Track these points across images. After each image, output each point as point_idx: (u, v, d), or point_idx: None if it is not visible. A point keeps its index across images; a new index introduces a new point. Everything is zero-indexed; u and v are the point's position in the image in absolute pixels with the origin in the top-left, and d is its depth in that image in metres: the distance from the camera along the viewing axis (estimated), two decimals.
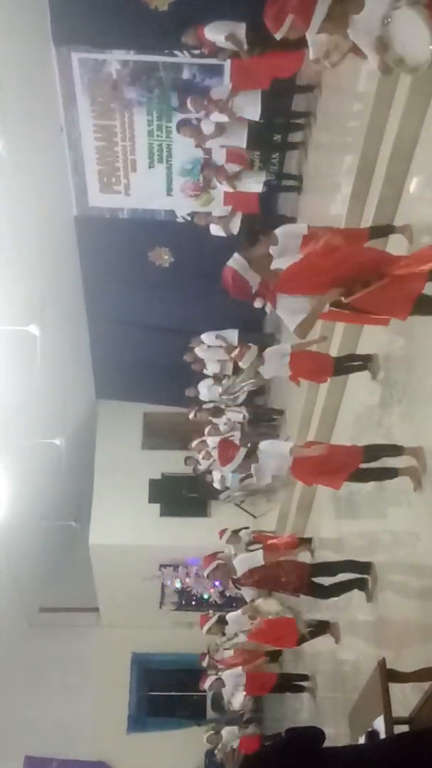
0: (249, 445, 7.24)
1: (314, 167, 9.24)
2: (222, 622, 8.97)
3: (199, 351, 11.57)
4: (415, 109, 5.36)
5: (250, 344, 8.76)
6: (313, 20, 4.30)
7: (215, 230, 10.10)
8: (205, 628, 9.11)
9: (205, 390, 11.80)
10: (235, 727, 11.09)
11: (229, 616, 9.01)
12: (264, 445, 6.72)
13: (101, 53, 9.67)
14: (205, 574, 8.47)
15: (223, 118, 8.96)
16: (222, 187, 9.72)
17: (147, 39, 9.47)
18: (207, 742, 11.03)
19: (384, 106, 5.84)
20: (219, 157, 9.62)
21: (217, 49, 8.59)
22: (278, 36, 5.84)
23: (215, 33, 8.35)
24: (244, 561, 7.99)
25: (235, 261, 8.23)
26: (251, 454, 6.82)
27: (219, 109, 8.72)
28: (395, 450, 5.70)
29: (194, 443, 11.52)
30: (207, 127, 9.19)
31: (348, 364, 7.10)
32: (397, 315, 4.78)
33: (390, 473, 5.79)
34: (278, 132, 9.97)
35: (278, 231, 6.47)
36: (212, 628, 9.05)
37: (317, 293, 4.88)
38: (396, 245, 5.70)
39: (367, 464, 6.02)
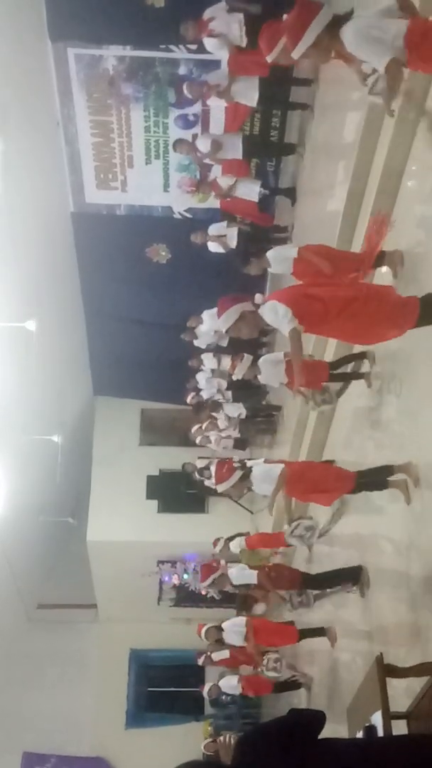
0: (244, 468, 7.42)
1: (310, 169, 9.21)
2: (219, 628, 9.06)
3: (198, 331, 11.52)
4: (409, 118, 5.37)
5: (243, 354, 8.81)
6: (298, 46, 4.39)
7: (213, 247, 10.12)
8: (203, 632, 9.20)
9: (204, 381, 11.80)
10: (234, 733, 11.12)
11: (226, 624, 9.12)
12: (257, 470, 6.91)
13: (97, 49, 9.65)
14: (204, 586, 8.67)
15: (221, 103, 8.92)
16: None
17: (143, 34, 9.45)
18: (205, 750, 11.04)
19: (379, 112, 5.84)
20: (215, 170, 9.68)
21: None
22: (269, 59, 5.91)
23: (214, 47, 8.35)
24: (240, 576, 8.17)
25: None
26: (246, 477, 6.95)
27: (217, 94, 8.68)
28: (386, 471, 5.79)
29: (193, 430, 11.57)
30: (203, 145, 9.20)
31: (343, 371, 7.17)
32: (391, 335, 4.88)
33: (380, 485, 5.91)
34: (274, 148, 10.02)
35: (270, 254, 6.60)
36: (209, 632, 9.12)
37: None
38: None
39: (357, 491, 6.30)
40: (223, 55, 8.37)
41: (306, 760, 2.73)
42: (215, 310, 10.85)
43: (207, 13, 8.27)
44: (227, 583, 8.80)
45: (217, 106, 9.49)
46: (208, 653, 9.95)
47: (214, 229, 10.04)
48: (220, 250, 10.02)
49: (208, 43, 8.33)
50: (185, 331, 11.58)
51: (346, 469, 6.47)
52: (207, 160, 9.46)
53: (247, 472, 7.03)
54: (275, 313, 4.80)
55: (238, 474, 7.39)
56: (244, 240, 9.93)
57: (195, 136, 9.49)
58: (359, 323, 4.71)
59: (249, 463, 7.32)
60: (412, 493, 5.46)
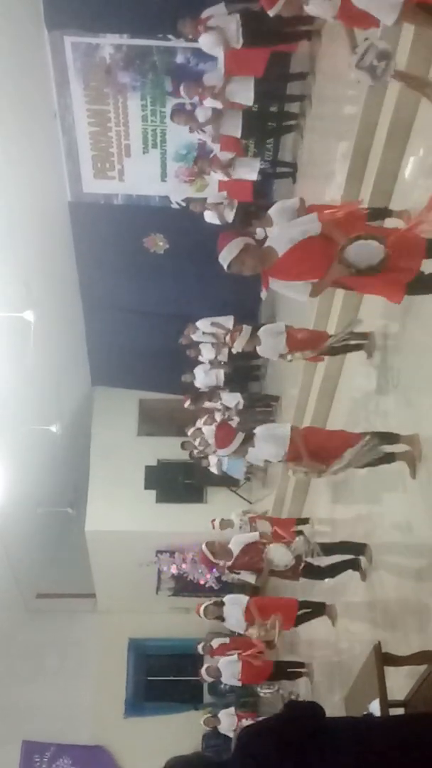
0: (246, 430, 7.21)
1: (309, 153, 9.20)
2: (219, 603, 8.97)
3: (194, 336, 11.57)
4: (410, 94, 5.34)
5: (242, 326, 8.68)
6: None
7: (210, 217, 10.05)
8: (202, 609, 9.10)
9: (202, 375, 11.80)
10: (232, 709, 11.17)
11: (227, 599, 9.05)
12: (260, 430, 6.67)
13: (94, 37, 9.61)
14: (203, 547, 8.45)
15: (217, 105, 8.90)
16: (216, 176, 9.68)
17: (140, 23, 9.41)
18: (204, 725, 11.12)
19: (379, 91, 5.81)
20: (213, 147, 9.60)
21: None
22: (272, 13, 5.80)
23: (209, 44, 8.29)
24: (239, 540, 8.01)
25: None
26: (248, 439, 6.80)
27: (212, 95, 8.66)
28: (391, 438, 5.70)
29: (190, 431, 11.54)
30: (202, 114, 9.14)
31: (344, 343, 7.07)
32: (392, 298, 4.77)
33: (387, 458, 5.79)
34: (272, 119, 9.93)
35: (271, 211, 6.45)
36: (209, 609, 9.03)
37: (313, 278, 4.84)
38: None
39: None
40: (218, 53, 8.32)
41: (305, 754, 2.75)
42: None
43: (205, 13, 8.24)
44: (227, 556, 8.46)
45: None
46: (208, 642, 9.98)
47: (214, 198, 9.96)
48: (216, 221, 9.92)
49: (204, 40, 8.27)
50: (182, 335, 11.61)
51: (352, 433, 6.33)
52: (204, 131, 9.34)
53: (249, 434, 6.85)
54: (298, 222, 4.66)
55: (241, 436, 7.22)
56: (243, 209, 9.84)
57: (193, 106, 9.36)
58: None
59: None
60: (418, 468, 5.40)
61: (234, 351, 9.30)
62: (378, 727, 3.45)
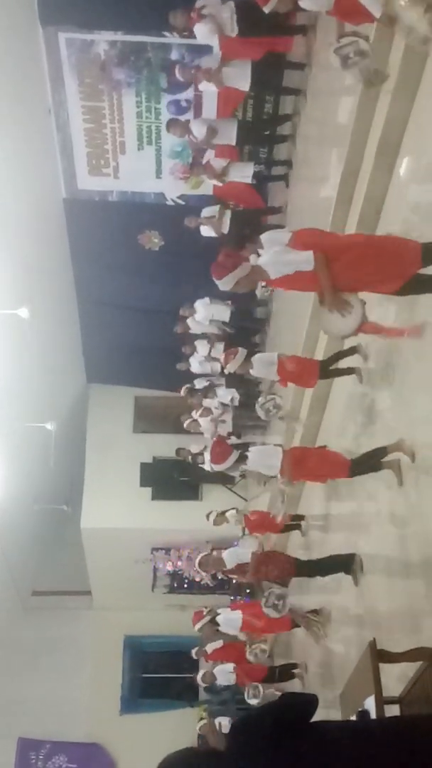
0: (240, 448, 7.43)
1: (303, 154, 9.17)
2: (214, 622, 9.05)
3: (191, 322, 11.49)
4: (404, 92, 5.34)
5: (237, 348, 8.80)
6: None
7: (206, 231, 10.08)
8: (198, 626, 9.19)
9: (197, 364, 11.79)
10: (228, 719, 11.18)
11: (220, 618, 9.12)
12: (253, 453, 6.93)
13: (89, 34, 9.58)
14: (196, 563, 8.58)
15: (211, 88, 8.84)
16: (211, 182, 9.72)
17: (135, 19, 9.38)
18: (200, 731, 11.11)
19: (373, 92, 5.81)
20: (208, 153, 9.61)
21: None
22: (267, 9, 5.84)
23: (204, 33, 8.26)
24: (233, 555, 8.15)
25: None
26: (242, 459, 6.97)
27: (207, 78, 8.60)
28: (379, 454, 5.80)
29: (186, 423, 11.55)
30: (197, 130, 9.12)
31: (335, 368, 7.18)
32: (386, 291, 4.79)
33: (375, 467, 5.91)
34: (267, 126, 9.95)
35: (264, 236, 6.53)
36: (205, 627, 9.13)
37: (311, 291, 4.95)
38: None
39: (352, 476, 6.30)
40: (213, 41, 8.28)
41: (299, 745, 2.75)
42: (207, 299, 10.94)
43: (199, 2, 8.21)
44: (221, 565, 8.58)
45: (210, 92, 9.43)
46: (202, 647, 10.04)
47: (206, 212, 9.99)
48: (213, 234, 9.97)
49: (199, 29, 8.23)
50: (177, 322, 11.57)
51: (341, 456, 6.46)
52: (200, 144, 9.37)
53: (243, 454, 7.04)
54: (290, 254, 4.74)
55: (236, 455, 7.42)
56: (238, 224, 9.88)
57: (189, 121, 9.41)
58: (360, 268, 4.60)
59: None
60: (405, 475, 5.47)
61: (227, 372, 9.42)
62: (374, 724, 3.46)
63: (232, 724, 3.05)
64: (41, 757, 14.20)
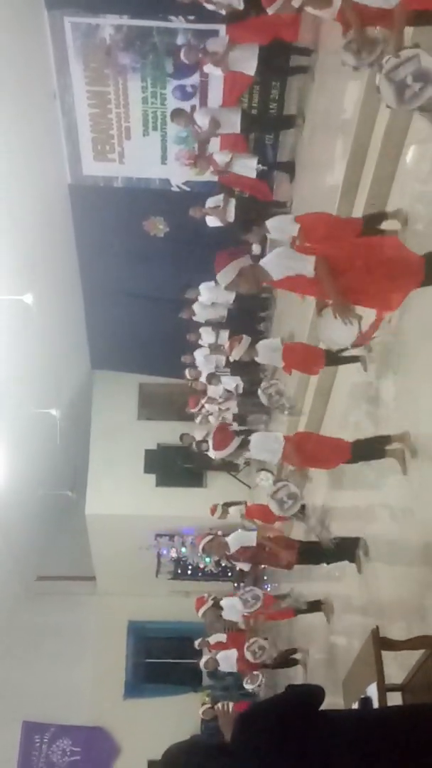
0: (243, 434, 7.38)
1: (309, 144, 9.10)
2: (217, 606, 9.08)
3: (197, 307, 11.46)
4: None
5: (242, 335, 8.77)
6: None
7: (211, 221, 10.04)
8: (201, 612, 9.22)
9: (202, 359, 11.78)
10: (231, 703, 11.24)
11: (224, 602, 9.15)
12: (255, 439, 6.86)
13: (94, 17, 9.51)
14: (200, 548, 8.55)
15: (217, 72, 8.80)
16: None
17: (141, 3, 9.31)
18: (203, 716, 11.18)
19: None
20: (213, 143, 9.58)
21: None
22: (270, 11, 5.79)
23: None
24: (238, 539, 8.11)
25: None
26: (244, 445, 6.93)
27: (214, 61, 8.54)
28: (383, 441, 5.80)
29: (192, 410, 11.57)
30: (201, 120, 9.07)
31: (340, 354, 7.15)
32: (386, 308, 4.84)
33: (378, 454, 5.90)
34: (272, 123, 9.93)
35: (270, 223, 6.53)
36: (207, 612, 9.16)
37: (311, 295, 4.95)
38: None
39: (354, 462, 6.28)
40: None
41: (306, 738, 2.76)
42: (212, 283, 10.90)
43: None
44: (224, 548, 8.58)
45: (216, 77, 9.37)
46: (205, 638, 10.09)
47: (211, 202, 9.96)
48: (218, 223, 9.96)
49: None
50: (183, 307, 11.54)
51: (341, 440, 6.46)
52: (203, 136, 9.34)
53: (245, 440, 7.00)
54: (292, 259, 4.74)
55: (237, 441, 7.38)
56: (243, 211, 9.83)
57: (193, 108, 9.37)
58: (362, 275, 4.64)
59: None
60: (408, 464, 5.47)
61: (231, 360, 9.40)
62: (378, 713, 3.47)
63: (237, 717, 3.04)
64: (45, 740, 14.33)
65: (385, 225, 5.75)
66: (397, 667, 4.32)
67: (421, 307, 5.16)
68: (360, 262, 4.62)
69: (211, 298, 11.13)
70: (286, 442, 6.59)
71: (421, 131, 5.39)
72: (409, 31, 4.93)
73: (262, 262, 5.00)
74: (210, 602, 9.26)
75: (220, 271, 5.18)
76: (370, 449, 6.01)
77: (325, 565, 7.61)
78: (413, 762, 2.78)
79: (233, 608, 8.99)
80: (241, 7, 8.05)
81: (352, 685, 4.42)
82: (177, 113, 9.43)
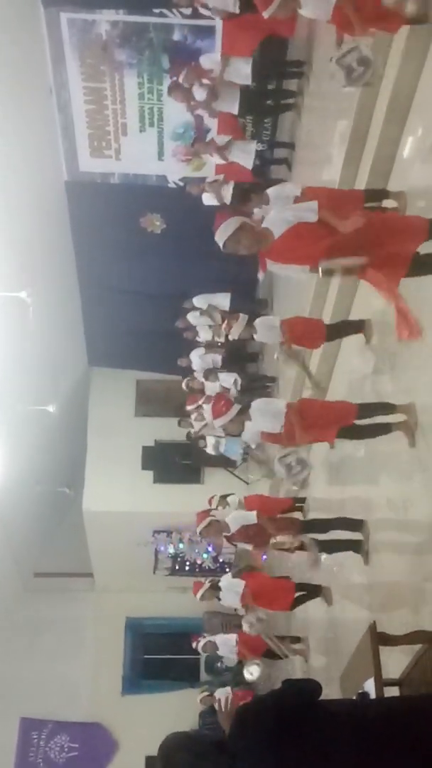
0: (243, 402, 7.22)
1: (307, 133, 9.12)
2: (215, 588, 9.04)
3: (191, 317, 11.53)
4: (410, 70, 5.30)
5: (239, 314, 8.67)
6: None
7: (208, 199, 9.97)
8: (199, 594, 9.17)
9: (198, 359, 11.78)
10: (228, 688, 11.26)
11: (223, 583, 9.11)
12: (257, 403, 6.66)
13: (90, 13, 9.50)
14: (198, 531, 8.47)
15: (218, 161, 9.00)
16: (213, 160, 9.63)
17: None
18: (201, 704, 11.21)
19: (377, 71, 5.75)
20: (210, 123, 9.53)
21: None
22: (266, 15, 5.81)
23: None
24: (237, 518, 8.02)
25: None
26: (244, 411, 6.79)
27: (211, 81, 8.61)
28: (388, 408, 5.75)
29: (190, 407, 11.55)
30: (199, 93, 9.06)
31: (344, 322, 7.09)
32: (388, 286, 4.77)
33: (385, 428, 5.84)
34: (270, 97, 9.87)
35: (270, 191, 6.44)
36: (206, 594, 9.12)
37: (308, 264, 4.84)
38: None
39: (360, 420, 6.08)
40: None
41: (303, 734, 2.77)
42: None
43: None
44: (223, 530, 8.49)
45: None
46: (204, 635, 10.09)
47: (209, 178, 9.90)
48: (215, 202, 9.86)
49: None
50: (179, 316, 11.57)
51: (346, 402, 6.34)
52: (200, 110, 9.27)
53: (245, 406, 6.86)
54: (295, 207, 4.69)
55: (236, 408, 7.23)
56: (240, 194, 9.78)
57: (192, 84, 9.28)
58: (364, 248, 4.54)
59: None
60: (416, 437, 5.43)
61: (230, 338, 9.27)
62: (375, 705, 3.48)
63: (236, 711, 3.05)
64: (43, 736, 14.34)
65: (386, 203, 5.74)
66: (396, 660, 4.33)
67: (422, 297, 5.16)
68: (361, 230, 4.49)
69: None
70: (288, 408, 6.43)
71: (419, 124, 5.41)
72: (404, 29, 4.98)
73: (265, 221, 4.85)
74: (207, 584, 9.23)
75: (217, 227, 5.00)
76: (377, 411, 5.93)
77: (326, 555, 7.59)
78: (413, 754, 2.79)
79: (232, 590, 8.91)
80: (237, 11, 8.06)
81: (350, 679, 4.43)
82: (174, 88, 9.33)
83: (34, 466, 12.92)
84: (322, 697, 2.91)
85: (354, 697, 4.02)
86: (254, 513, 7.93)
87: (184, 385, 11.86)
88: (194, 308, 11.48)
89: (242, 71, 8.56)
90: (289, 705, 2.87)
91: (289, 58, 9.22)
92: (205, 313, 11.21)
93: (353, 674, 4.37)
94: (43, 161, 10.74)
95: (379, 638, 4.10)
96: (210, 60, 8.78)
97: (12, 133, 8.99)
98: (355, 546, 6.91)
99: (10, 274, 9.49)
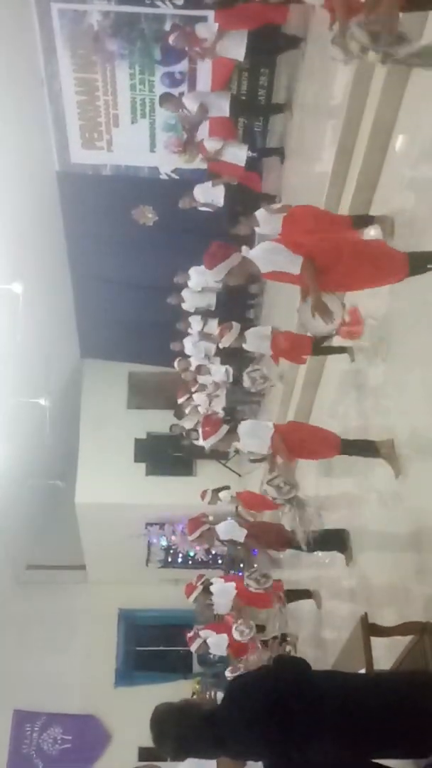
0: (232, 421, 7.37)
1: (299, 132, 9.09)
2: (207, 591, 9.11)
3: (186, 293, 11.42)
4: (399, 72, 5.29)
5: (231, 322, 8.78)
6: None
7: (203, 203, 10.01)
8: (192, 597, 9.25)
9: (191, 345, 11.76)
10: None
11: (214, 587, 9.18)
12: (244, 426, 6.82)
13: (81, 4, 9.43)
14: (190, 540, 8.59)
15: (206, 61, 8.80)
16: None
17: None
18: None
19: (367, 69, 5.75)
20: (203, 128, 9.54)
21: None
22: None
23: None
24: (228, 529, 8.16)
25: None
26: (233, 432, 6.90)
27: (202, 48, 8.51)
28: (369, 447, 5.82)
29: (180, 400, 11.55)
30: (190, 105, 9.02)
31: (327, 345, 7.17)
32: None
33: (371, 452, 5.88)
34: (260, 110, 9.91)
35: (258, 213, 6.55)
36: (198, 597, 9.19)
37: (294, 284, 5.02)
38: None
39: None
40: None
41: (291, 705, 2.80)
42: (202, 267, 10.88)
43: None
44: (214, 538, 8.67)
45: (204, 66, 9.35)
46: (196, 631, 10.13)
47: (199, 192, 9.90)
48: (209, 209, 9.90)
49: None
50: (172, 292, 11.51)
51: (331, 434, 6.45)
52: (193, 123, 9.29)
53: (233, 426, 6.99)
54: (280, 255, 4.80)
55: (225, 428, 7.37)
56: (232, 201, 9.82)
57: (182, 94, 9.32)
58: (349, 270, 4.74)
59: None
60: (400, 464, 5.50)
61: (221, 347, 9.40)
62: (361, 680, 3.52)
63: (227, 686, 3.09)
64: (36, 728, 14.38)
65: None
66: (387, 652, 4.35)
67: (410, 296, 5.17)
68: (346, 256, 4.71)
69: (200, 282, 11.11)
70: (275, 431, 6.61)
71: (410, 119, 5.40)
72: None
73: (251, 254, 5.08)
74: (200, 587, 9.30)
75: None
76: (360, 450, 6.05)
77: (318, 553, 7.64)
78: (396, 733, 2.82)
79: (225, 592, 9.00)
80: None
81: (341, 670, 4.45)
82: (166, 98, 9.37)
83: (26, 459, 12.90)
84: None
85: None
86: (244, 532, 8.11)
87: (176, 365, 11.83)
88: (188, 281, 11.40)
89: (237, 45, 8.47)
90: (280, 679, 2.91)
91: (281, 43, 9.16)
92: (200, 292, 11.18)
93: (345, 665, 4.39)
94: (34, 153, 10.69)
95: (370, 629, 4.12)
96: (206, 29, 8.65)
97: (2, 124, 8.94)
98: (340, 547, 6.96)
99: (1, 266, 9.45)
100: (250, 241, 7.18)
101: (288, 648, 9.58)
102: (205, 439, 8.03)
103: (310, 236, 5.26)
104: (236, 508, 9.19)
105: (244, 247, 7.05)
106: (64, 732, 14.43)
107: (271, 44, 9.01)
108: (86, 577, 16.00)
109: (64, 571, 16.06)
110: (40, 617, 15.10)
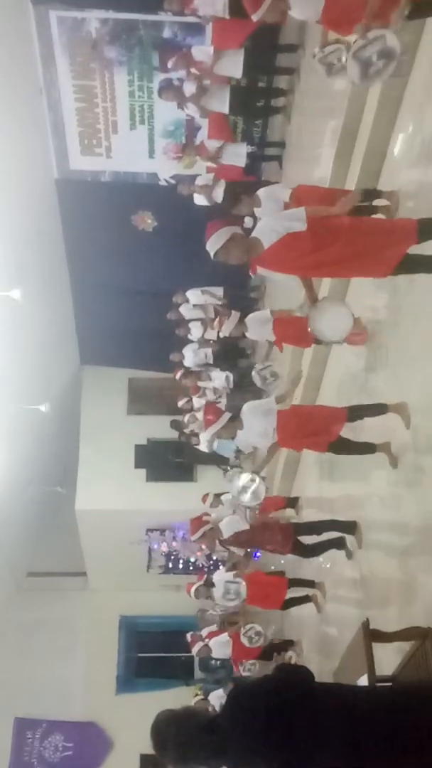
0: (234, 409, 7.22)
1: (297, 132, 9.12)
2: (208, 584, 9.05)
3: (184, 309, 11.47)
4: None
5: (231, 310, 8.68)
6: None
7: (199, 200, 9.98)
8: (192, 590, 9.19)
9: (191, 354, 11.77)
10: (221, 691, 11.26)
11: (216, 578, 9.11)
12: (247, 406, 6.61)
13: (80, 11, 9.48)
14: (192, 539, 8.49)
15: (206, 81, 8.81)
16: (205, 163, 9.64)
17: None
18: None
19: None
20: (201, 122, 9.51)
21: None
22: (255, 18, 5.83)
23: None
24: (230, 524, 8.06)
25: None
26: (235, 418, 6.77)
27: (201, 70, 8.58)
28: (379, 408, 5.69)
29: (180, 403, 11.53)
30: (189, 88, 9.03)
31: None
32: (377, 274, 4.76)
33: (369, 448, 5.86)
34: (261, 96, 9.86)
35: (261, 192, 6.44)
36: (199, 589, 9.13)
37: (299, 275, 4.87)
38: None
39: (351, 422, 6.05)
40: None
41: (293, 714, 2.78)
42: (198, 290, 10.91)
43: None
44: (217, 536, 8.56)
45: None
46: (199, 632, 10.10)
47: (200, 180, 9.88)
48: (205, 202, 9.85)
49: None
50: (171, 309, 11.55)
51: (336, 407, 6.30)
52: (190, 108, 9.24)
53: (236, 413, 6.84)
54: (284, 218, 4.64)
55: (227, 416, 7.22)
56: (231, 188, 9.78)
57: (181, 81, 9.26)
58: (356, 249, 4.49)
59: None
60: (398, 457, 5.48)
61: (221, 335, 9.28)
62: (364, 693, 3.50)
63: (229, 694, 3.07)
64: (38, 736, 14.31)
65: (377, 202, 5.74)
66: (389, 657, 4.34)
67: (420, 289, 5.17)
68: (346, 234, 4.47)
69: (199, 302, 11.16)
70: (279, 417, 6.33)
71: (409, 119, 5.41)
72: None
73: (255, 230, 4.84)
74: (200, 581, 9.28)
75: (209, 236, 5.02)
76: (368, 412, 5.88)
77: (319, 559, 7.63)
78: (397, 744, 2.80)
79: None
80: (227, 16, 8.06)
81: (344, 676, 4.44)
82: (165, 87, 9.30)
83: (26, 465, 12.90)
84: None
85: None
86: (247, 526, 7.95)
87: (177, 377, 11.84)
88: (186, 302, 11.43)
89: (234, 63, 8.52)
90: (282, 688, 2.90)
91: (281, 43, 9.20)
92: (198, 306, 11.18)
93: (347, 671, 4.37)
94: (33, 160, 10.72)
95: (372, 635, 4.11)
96: (202, 52, 8.73)
97: (2, 132, 8.96)
98: (339, 544, 6.93)
99: (1, 273, 9.46)
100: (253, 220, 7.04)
101: (289, 654, 9.59)
102: (206, 427, 7.92)
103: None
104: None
105: (246, 218, 6.94)
106: (65, 739, 14.37)
107: (267, 60, 9.08)
108: (87, 583, 15.96)
109: (64, 578, 16.02)
110: (40, 624, 15.05)
